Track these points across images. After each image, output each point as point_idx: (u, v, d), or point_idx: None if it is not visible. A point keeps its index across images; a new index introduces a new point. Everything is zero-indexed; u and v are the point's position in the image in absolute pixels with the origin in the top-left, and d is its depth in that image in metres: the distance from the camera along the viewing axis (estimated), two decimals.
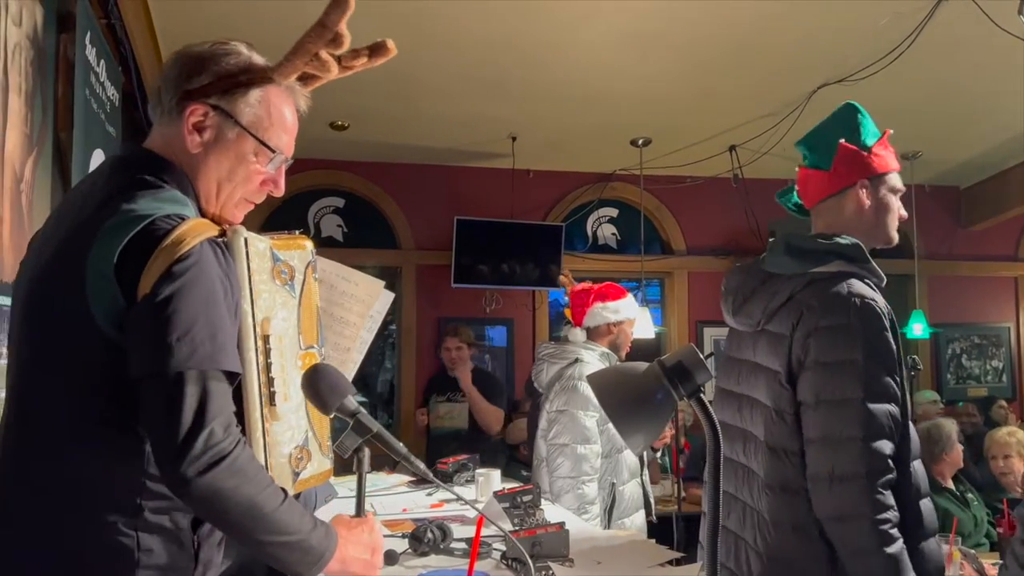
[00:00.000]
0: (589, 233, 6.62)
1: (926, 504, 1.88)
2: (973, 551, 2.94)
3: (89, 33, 2.73)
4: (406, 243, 6.16)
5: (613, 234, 6.65)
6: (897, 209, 2.06)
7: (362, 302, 1.69)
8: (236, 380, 1.26)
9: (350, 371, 1.82)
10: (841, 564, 1.80)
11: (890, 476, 1.76)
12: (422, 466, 1.40)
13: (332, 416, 1.40)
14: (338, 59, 1.40)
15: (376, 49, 1.42)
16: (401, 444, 1.39)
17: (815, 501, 1.81)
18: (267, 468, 1.35)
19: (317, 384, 1.36)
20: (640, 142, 5.65)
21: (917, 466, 1.88)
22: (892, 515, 1.74)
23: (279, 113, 1.41)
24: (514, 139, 5.60)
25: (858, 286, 1.89)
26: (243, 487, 1.18)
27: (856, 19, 3.87)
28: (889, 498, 1.75)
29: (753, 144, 5.45)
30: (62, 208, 1.42)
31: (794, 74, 4.50)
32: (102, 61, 2.94)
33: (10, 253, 2.11)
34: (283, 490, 1.27)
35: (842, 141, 2.03)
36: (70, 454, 1.24)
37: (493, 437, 5.05)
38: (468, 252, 5.98)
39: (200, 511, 1.23)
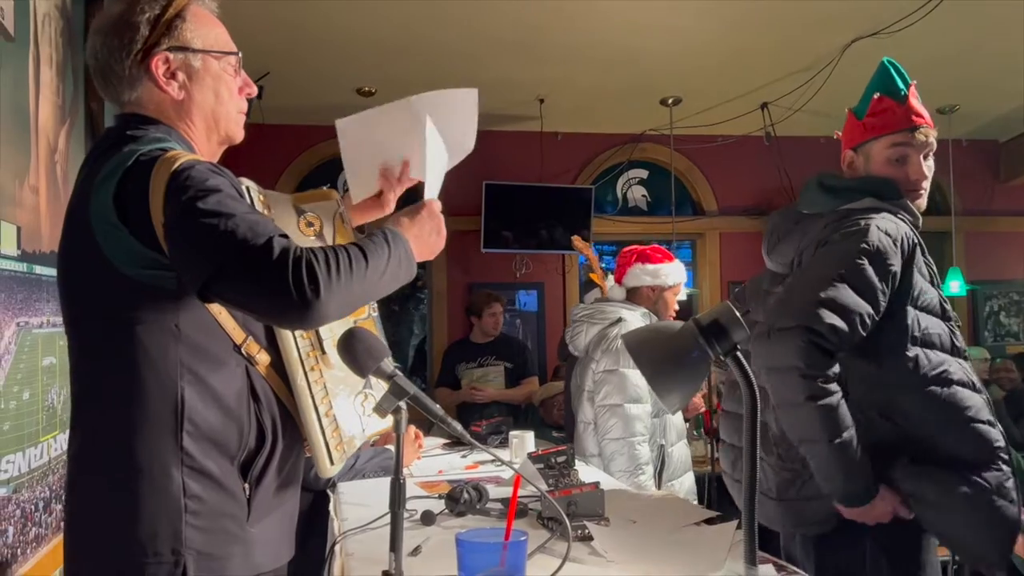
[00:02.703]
0: (619, 195, 6.57)
1: (958, 391, 1.83)
2: None
3: None
4: None
5: (643, 196, 6.60)
6: (897, 171, 2.00)
7: (408, 133, 1.57)
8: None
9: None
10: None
11: (831, 346, 1.75)
12: (459, 427, 1.41)
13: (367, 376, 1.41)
14: None
15: None
16: (438, 406, 1.39)
17: (754, 354, 1.82)
18: (328, 416, 1.37)
19: (353, 347, 1.37)
20: (670, 101, 5.57)
21: (932, 355, 1.85)
22: (828, 372, 1.75)
23: (210, 20, 1.46)
24: (542, 101, 5.55)
25: (884, 220, 1.89)
26: (348, 271, 1.23)
27: None
28: (828, 361, 1.75)
29: (785, 101, 5.36)
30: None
31: (827, 28, 4.40)
32: None
33: (47, 223, 2.14)
34: (354, 245, 1.30)
35: (848, 110, 2.06)
36: (111, 407, 1.28)
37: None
38: (497, 217, 5.96)
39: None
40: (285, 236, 1.23)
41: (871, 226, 1.86)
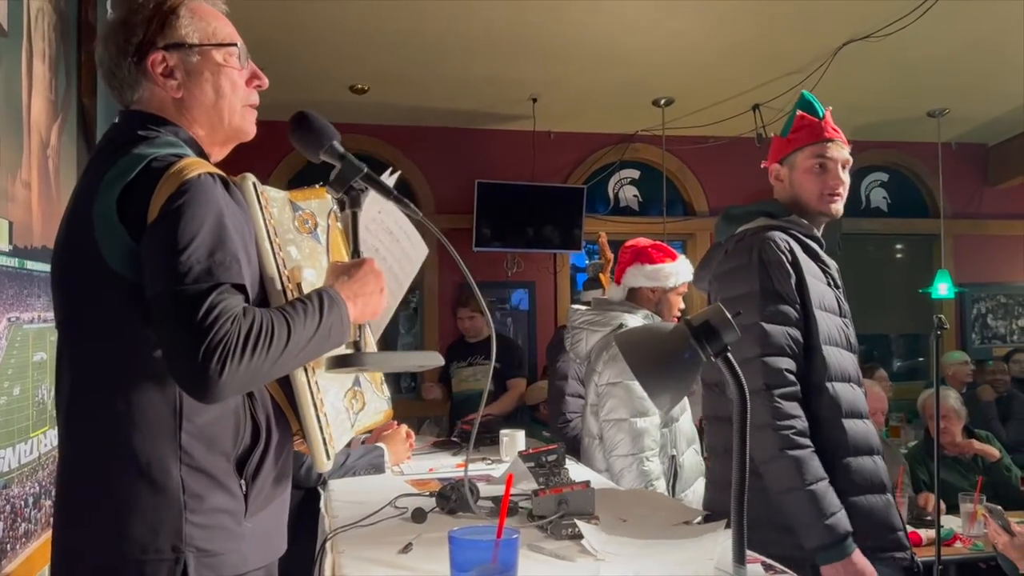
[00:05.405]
0: (611, 195, 6.59)
1: (855, 423, 1.99)
2: (1000, 507, 2.93)
3: None
4: (427, 207, 6.15)
5: (635, 196, 6.61)
6: (818, 178, 2.16)
7: (412, 262, 1.71)
8: (243, 292, 1.25)
9: (387, 317, 1.83)
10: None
11: (790, 388, 1.92)
12: (412, 206, 1.47)
13: (320, 161, 1.47)
14: None
15: None
16: (390, 183, 1.46)
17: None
18: (323, 413, 1.38)
19: (307, 127, 1.44)
20: (662, 102, 5.59)
21: (840, 387, 2.00)
22: (795, 423, 1.89)
23: (210, 13, 1.45)
24: (535, 100, 5.56)
25: (768, 233, 2.07)
26: (263, 351, 1.20)
27: None
28: (791, 408, 1.90)
29: (777, 103, 5.37)
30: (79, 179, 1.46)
31: (819, 30, 4.42)
32: None
33: (39, 219, 2.13)
34: (280, 309, 1.27)
35: (774, 135, 2.25)
36: (109, 405, 1.27)
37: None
38: (489, 215, 5.96)
39: (240, 394, 1.27)
40: (236, 291, 1.22)
41: (758, 253, 2.02)
